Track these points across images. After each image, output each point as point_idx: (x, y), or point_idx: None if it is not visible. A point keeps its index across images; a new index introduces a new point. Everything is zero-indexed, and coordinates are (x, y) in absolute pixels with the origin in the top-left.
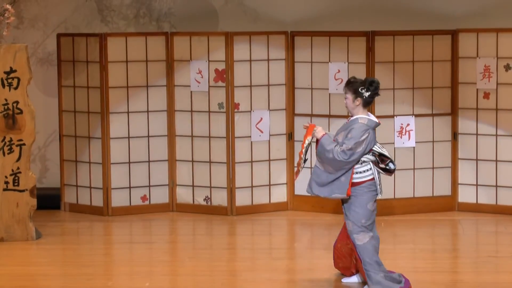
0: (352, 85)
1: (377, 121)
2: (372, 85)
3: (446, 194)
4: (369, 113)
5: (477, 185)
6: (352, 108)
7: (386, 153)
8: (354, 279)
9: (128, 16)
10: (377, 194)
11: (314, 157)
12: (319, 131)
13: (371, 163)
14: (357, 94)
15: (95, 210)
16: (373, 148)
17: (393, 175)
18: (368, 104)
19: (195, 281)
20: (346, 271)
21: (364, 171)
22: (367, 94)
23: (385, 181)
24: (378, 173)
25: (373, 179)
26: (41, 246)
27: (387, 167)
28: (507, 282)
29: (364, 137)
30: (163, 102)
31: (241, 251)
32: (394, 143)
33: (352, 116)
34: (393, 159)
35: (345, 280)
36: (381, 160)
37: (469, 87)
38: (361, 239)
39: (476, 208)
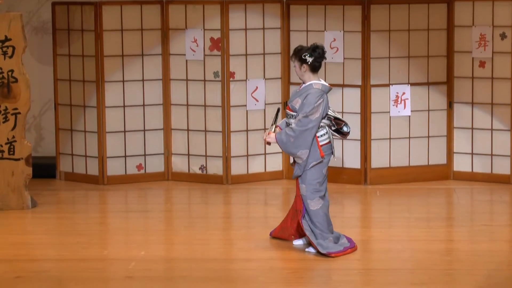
0: (297, 53)
1: (329, 86)
2: (315, 51)
3: (441, 163)
4: (320, 78)
5: (472, 154)
6: (301, 75)
7: (340, 117)
8: (301, 241)
9: None
10: (331, 156)
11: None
12: (271, 137)
13: (326, 127)
14: (302, 61)
15: (90, 179)
16: (328, 113)
17: (347, 136)
18: (316, 70)
19: (190, 250)
20: (289, 236)
21: (321, 135)
22: (311, 59)
23: (380, 149)
24: (332, 136)
25: (329, 142)
26: (36, 215)
27: (341, 130)
28: (501, 251)
29: (319, 101)
30: (158, 71)
31: (236, 220)
32: (389, 112)
33: (304, 82)
34: (347, 123)
35: (297, 242)
36: (336, 124)
37: (464, 56)
38: (314, 205)
39: (471, 177)
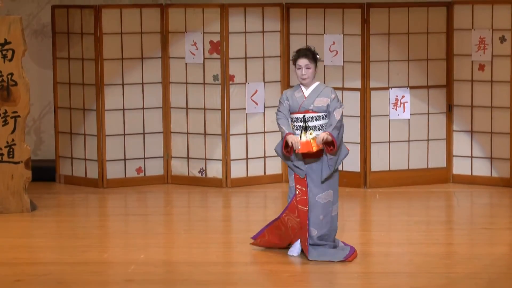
0: (313, 55)
1: None
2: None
3: (441, 166)
4: None
5: (472, 157)
6: (313, 76)
7: None
8: (298, 245)
9: None
10: None
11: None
12: (323, 137)
13: None
14: (316, 63)
15: (90, 182)
16: None
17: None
18: None
19: (190, 253)
20: (282, 244)
21: None
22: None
23: (380, 153)
24: None
25: None
26: (36, 218)
27: None
28: (501, 254)
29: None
30: (158, 74)
31: (236, 223)
32: (389, 115)
33: (306, 85)
34: None
35: (292, 252)
36: None
37: (464, 59)
38: (336, 209)
39: (470, 180)
